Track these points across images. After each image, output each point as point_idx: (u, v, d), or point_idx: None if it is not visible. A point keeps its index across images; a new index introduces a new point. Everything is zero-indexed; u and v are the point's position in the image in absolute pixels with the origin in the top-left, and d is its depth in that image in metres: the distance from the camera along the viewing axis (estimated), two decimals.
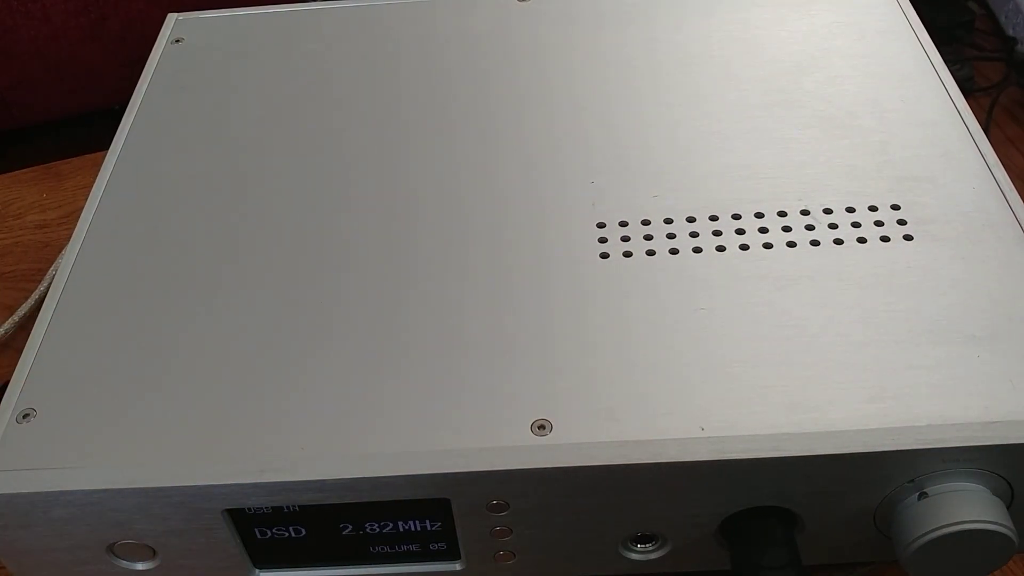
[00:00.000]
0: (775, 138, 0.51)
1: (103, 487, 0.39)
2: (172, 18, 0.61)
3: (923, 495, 0.39)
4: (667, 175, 0.49)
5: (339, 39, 0.60)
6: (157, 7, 0.69)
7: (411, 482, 0.39)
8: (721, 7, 0.60)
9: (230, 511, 0.40)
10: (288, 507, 0.41)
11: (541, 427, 0.39)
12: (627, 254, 0.45)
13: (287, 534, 0.42)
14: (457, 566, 0.43)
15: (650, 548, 0.43)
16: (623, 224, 0.47)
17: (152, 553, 0.42)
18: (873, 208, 0.46)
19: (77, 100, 0.52)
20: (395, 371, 0.42)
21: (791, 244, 0.45)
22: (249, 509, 0.41)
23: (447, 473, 0.39)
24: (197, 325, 0.44)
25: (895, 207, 0.46)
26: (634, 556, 0.43)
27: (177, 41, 0.60)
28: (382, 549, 0.43)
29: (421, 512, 0.41)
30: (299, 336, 0.44)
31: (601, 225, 0.47)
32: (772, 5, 0.59)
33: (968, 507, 0.39)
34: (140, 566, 0.43)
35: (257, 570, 0.44)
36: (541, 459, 0.39)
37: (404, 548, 0.43)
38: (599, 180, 0.49)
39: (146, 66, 0.57)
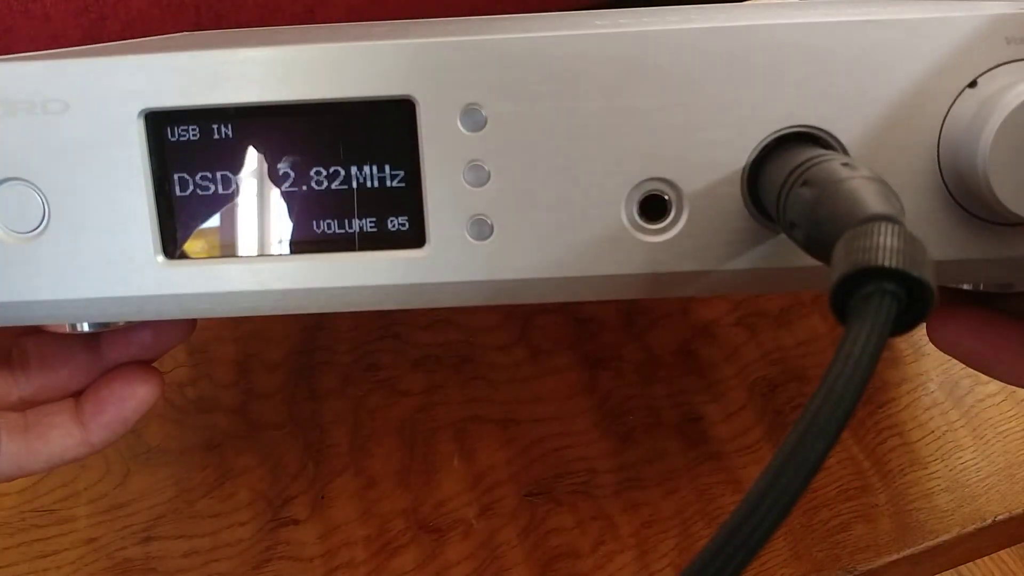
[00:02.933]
0: None
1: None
2: None
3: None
4: None
5: None
6: (157, 7, 0.69)
7: (372, 62, 0.32)
8: None
9: (148, 120, 0.33)
10: (219, 128, 0.33)
11: None
12: None
13: (212, 188, 0.34)
14: (423, 252, 0.34)
15: (664, 224, 0.34)
16: None
17: (41, 208, 0.34)
18: None
19: None
20: None
21: None
22: (172, 130, 0.33)
23: (413, 43, 0.32)
24: None
25: None
26: (644, 236, 0.34)
27: None
28: (329, 228, 0.35)
29: (380, 137, 0.33)
30: None
31: None
32: None
33: None
34: (27, 232, 0.34)
35: (164, 257, 0.35)
36: (518, 32, 0.33)
37: (357, 228, 0.34)
38: None
39: None
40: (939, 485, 0.51)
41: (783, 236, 0.33)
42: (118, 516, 0.52)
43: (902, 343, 0.57)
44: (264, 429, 0.56)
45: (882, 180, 0.28)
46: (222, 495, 0.53)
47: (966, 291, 0.37)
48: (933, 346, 0.37)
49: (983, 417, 0.53)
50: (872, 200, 0.26)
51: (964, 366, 0.37)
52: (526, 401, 0.56)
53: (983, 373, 0.36)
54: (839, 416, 0.22)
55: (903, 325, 0.23)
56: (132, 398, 0.40)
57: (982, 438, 0.53)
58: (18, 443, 0.38)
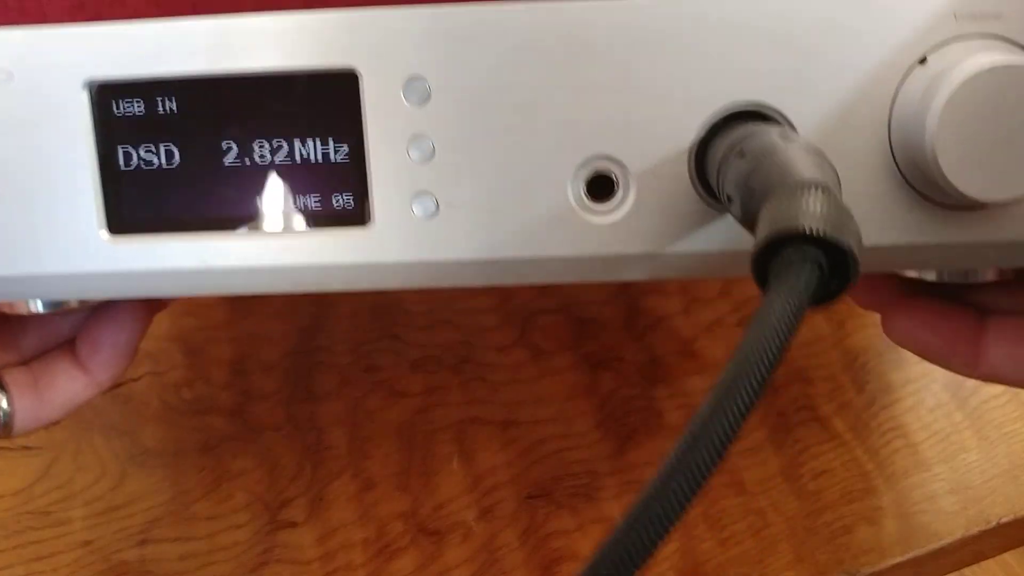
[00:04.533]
0: None
1: None
2: None
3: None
4: None
5: None
6: (154, 5, 0.70)
7: (314, 32, 0.32)
8: None
9: (92, 91, 0.33)
10: (163, 100, 0.33)
11: None
12: None
13: (156, 162, 0.34)
14: (367, 230, 0.34)
15: (611, 204, 0.33)
16: None
17: None
18: None
19: None
20: None
21: None
22: (118, 103, 0.33)
23: (356, 14, 0.32)
24: None
25: None
26: (591, 217, 0.33)
27: None
28: (273, 205, 0.34)
29: (323, 109, 0.33)
30: None
31: None
32: None
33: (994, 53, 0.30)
34: None
35: (108, 232, 0.34)
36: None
37: (302, 204, 0.34)
38: None
39: None
40: (943, 487, 0.50)
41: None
42: (114, 519, 0.52)
43: None
44: (261, 431, 0.55)
45: (819, 151, 0.27)
46: (219, 497, 0.53)
47: (921, 282, 0.36)
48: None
49: (988, 418, 0.52)
50: (803, 166, 0.25)
51: None
52: (526, 402, 0.56)
53: (939, 366, 0.35)
54: (752, 389, 0.21)
55: (826, 295, 0.22)
56: (123, 331, 0.40)
57: (987, 439, 0.51)
58: (30, 397, 0.39)
